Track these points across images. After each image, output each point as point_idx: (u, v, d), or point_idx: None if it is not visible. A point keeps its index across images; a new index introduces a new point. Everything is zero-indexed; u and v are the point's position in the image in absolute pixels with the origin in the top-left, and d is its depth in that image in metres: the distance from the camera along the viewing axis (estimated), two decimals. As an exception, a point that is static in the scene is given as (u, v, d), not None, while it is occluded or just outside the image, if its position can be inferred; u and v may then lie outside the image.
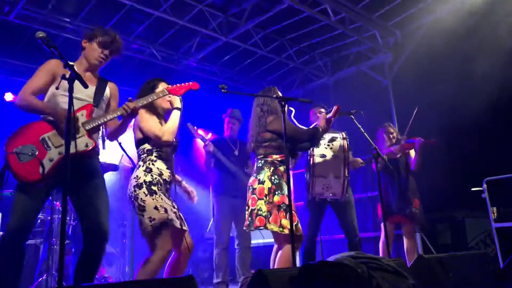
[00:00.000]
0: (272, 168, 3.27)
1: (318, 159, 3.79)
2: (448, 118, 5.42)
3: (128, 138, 3.54)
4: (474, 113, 5.32)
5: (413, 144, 4.57)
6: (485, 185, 4.96)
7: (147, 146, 2.91)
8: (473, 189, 5.24)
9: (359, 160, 4.53)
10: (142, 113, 2.91)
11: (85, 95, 2.69)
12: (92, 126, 2.62)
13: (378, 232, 4.67)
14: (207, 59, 7.23)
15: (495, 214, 4.94)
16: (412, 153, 4.68)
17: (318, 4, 5.79)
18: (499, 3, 5.42)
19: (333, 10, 5.89)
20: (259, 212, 3.17)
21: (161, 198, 2.77)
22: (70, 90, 2.15)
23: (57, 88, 2.48)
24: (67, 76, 2.30)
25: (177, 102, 2.98)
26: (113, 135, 2.88)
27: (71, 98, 2.15)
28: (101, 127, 2.78)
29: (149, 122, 2.90)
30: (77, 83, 2.58)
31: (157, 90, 2.90)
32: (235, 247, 4.63)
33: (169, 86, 2.92)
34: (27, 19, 5.56)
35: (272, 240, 3.45)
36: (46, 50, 2.47)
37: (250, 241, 4.63)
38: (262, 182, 3.24)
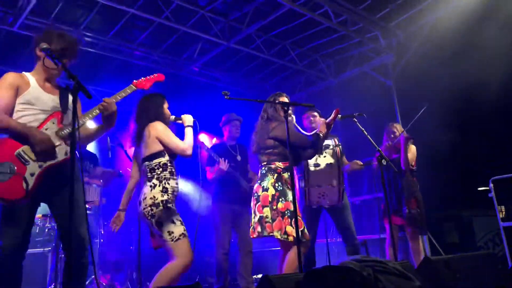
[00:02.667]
0: (276, 175, 3.25)
1: (312, 168, 3.79)
2: (453, 118, 5.41)
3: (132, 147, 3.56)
4: (479, 112, 5.31)
5: (399, 142, 4.53)
6: (491, 185, 4.94)
7: (162, 160, 2.96)
8: (479, 188, 5.22)
9: (358, 162, 4.50)
10: (164, 128, 3.00)
11: (50, 106, 2.61)
12: (68, 131, 2.54)
13: (384, 234, 4.64)
14: (209, 65, 7.26)
15: (503, 213, 4.92)
16: (413, 151, 4.61)
17: (319, 7, 5.80)
18: (500, 1, 5.40)
19: (334, 12, 5.90)
20: (267, 220, 3.17)
21: (175, 213, 2.91)
22: (74, 101, 2.12)
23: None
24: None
25: (189, 120, 3.12)
26: (88, 141, 2.80)
27: (75, 109, 2.10)
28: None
29: (174, 137, 2.99)
30: (39, 96, 2.58)
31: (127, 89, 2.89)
32: (238, 252, 4.64)
33: (135, 81, 2.92)
34: (31, 29, 5.61)
35: (274, 245, 3.46)
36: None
37: (251, 246, 4.64)
38: (266, 189, 3.23)
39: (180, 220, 2.89)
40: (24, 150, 2.46)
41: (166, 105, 3.16)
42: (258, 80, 8.01)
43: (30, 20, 5.46)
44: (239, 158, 4.74)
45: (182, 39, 6.44)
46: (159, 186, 2.89)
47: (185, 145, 2.97)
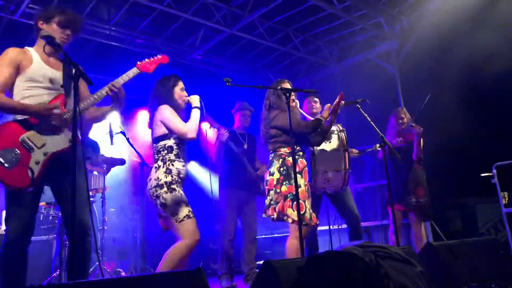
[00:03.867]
0: (280, 160, 3.34)
1: (318, 154, 3.80)
2: (457, 104, 5.38)
3: (135, 134, 3.57)
4: (483, 99, 5.27)
5: (409, 134, 4.53)
6: (494, 171, 4.93)
7: (168, 143, 2.98)
8: (482, 174, 5.21)
9: (354, 150, 4.51)
10: (168, 110, 2.99)
11: (54, 83, 2.57)
12: (71, 114, 2.47)
13: (387, 220, 4.66)
14: (212, 52, 7.22)
15: (506, 199, 4.92)
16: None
17: (322, -7, 5.74)
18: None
19: (337, -2, 5.84)
20: (271, 202, 3.29)
21: (180, 194, 2.92)
22: (76, 88, 2.13)
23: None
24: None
25: (196, 101, 3.11)
26: (94, 121, 2.78)
27: (76, 95, 2.11)
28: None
29: (177, 120, 2.98)
30: (43, 72, 2.53)
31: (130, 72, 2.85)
32: (242, 238, 4.68)
33: (139, 63, 2.89)
34: (33, 18, 5.57)
35: (278, 232, 3.50)
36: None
37: (256, 233, 4.69)
38: (272, 174, 3.35)
39: (185, 202, 2.90)
40: (28, 136, 2.44)
41: (179, 87, 3.14)
42: (261, 67, 7.97)
43: (31, 8, 5.42)
44: (245, 146, 4.75)
45: (184, 26, 6.40)
46: (163, 167, 2.93)
47: (186, 128, 2.97)
